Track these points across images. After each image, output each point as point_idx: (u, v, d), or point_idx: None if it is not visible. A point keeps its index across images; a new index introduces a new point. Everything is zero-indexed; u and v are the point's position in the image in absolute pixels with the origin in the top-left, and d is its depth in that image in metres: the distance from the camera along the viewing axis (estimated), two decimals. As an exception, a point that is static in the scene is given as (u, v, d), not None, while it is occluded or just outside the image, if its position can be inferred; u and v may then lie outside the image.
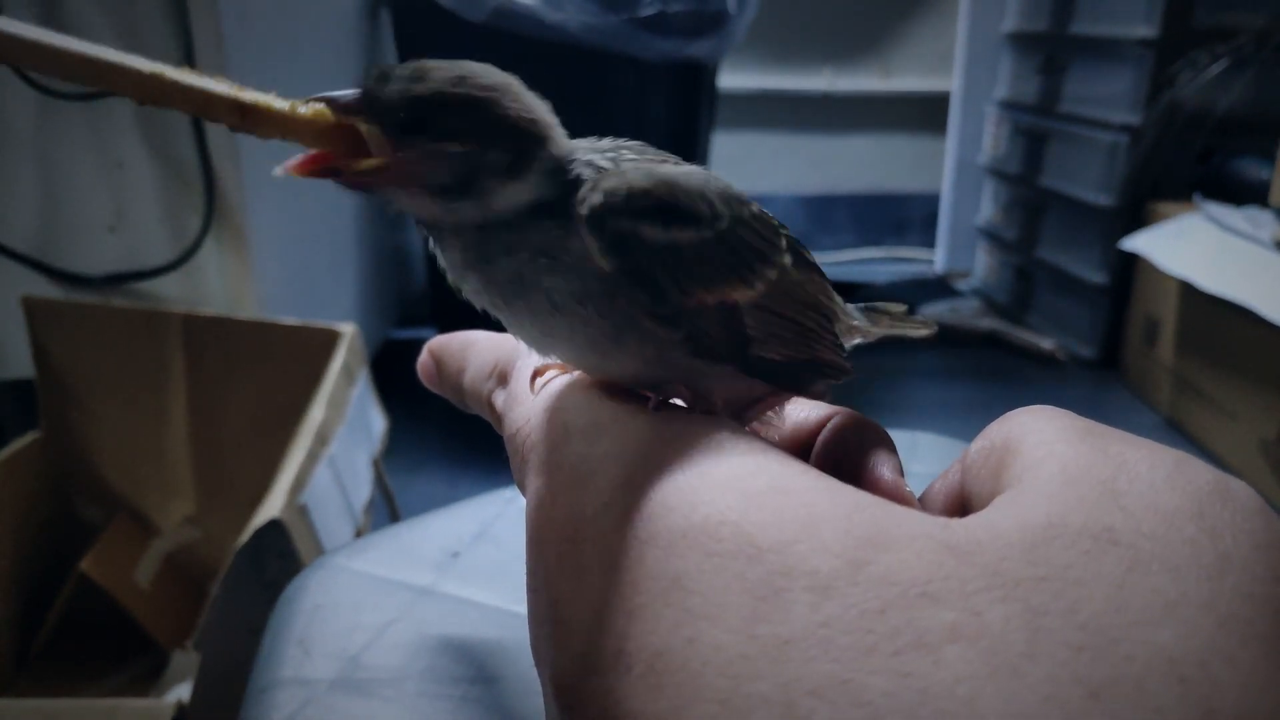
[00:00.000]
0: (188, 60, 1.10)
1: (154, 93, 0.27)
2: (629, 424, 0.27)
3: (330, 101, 0.28)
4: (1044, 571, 0.20)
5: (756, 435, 0.27)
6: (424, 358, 0.40)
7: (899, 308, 0.38)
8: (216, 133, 1.13)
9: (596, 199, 0.27)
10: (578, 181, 0.28)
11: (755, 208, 0.31)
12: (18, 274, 1.12)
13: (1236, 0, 1.95)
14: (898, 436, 0.66)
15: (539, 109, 0.29)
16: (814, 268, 0.33)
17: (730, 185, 0.30)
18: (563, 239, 0.28)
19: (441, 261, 0.30)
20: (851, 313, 0.36)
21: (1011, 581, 0.20)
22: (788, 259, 0.31)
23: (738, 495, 0.23)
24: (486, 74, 0.29)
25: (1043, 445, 0.24)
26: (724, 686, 0.20)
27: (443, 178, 0.28)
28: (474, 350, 0.38)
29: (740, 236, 0.29)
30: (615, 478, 0.26)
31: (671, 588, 0.22)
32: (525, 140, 0.28)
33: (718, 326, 0.29)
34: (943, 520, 0.22)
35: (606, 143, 0.31)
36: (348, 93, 0.28)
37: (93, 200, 1.15)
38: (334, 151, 0.28)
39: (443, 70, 0.28)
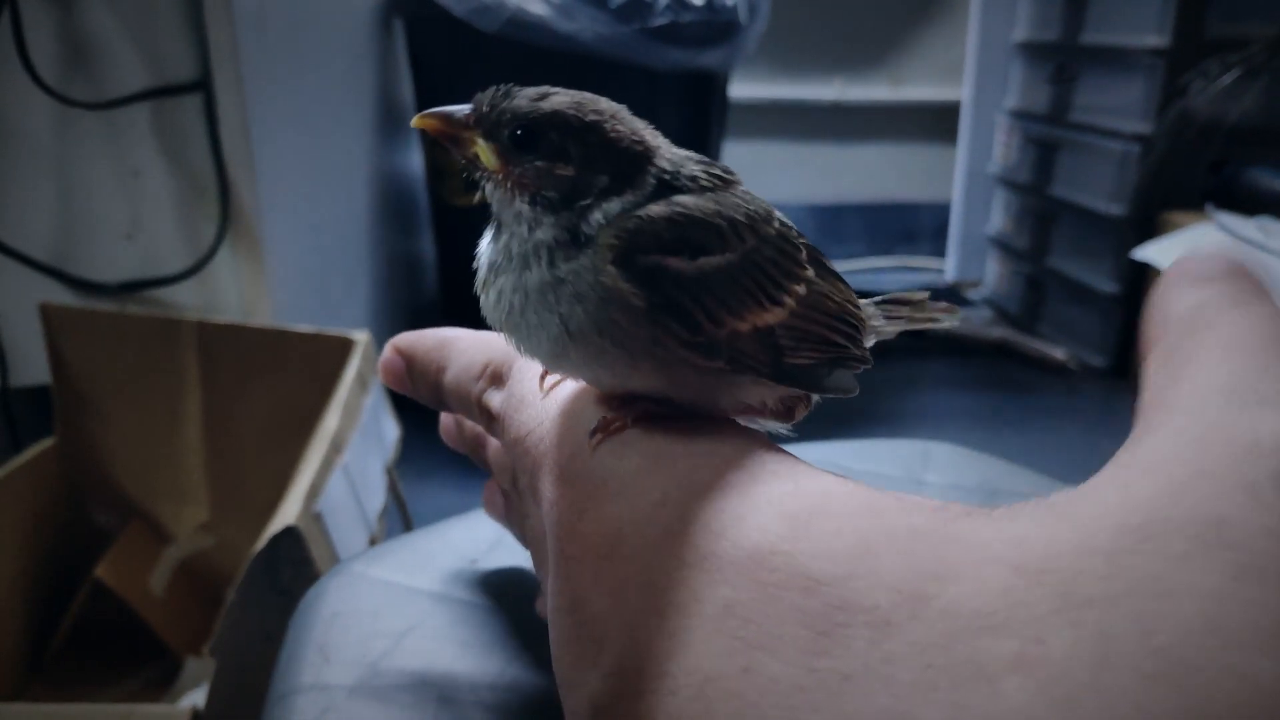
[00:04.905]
0: (204, 70, 1.11)
1: None
2: (657, 437, 0.27)
3: (444, 116, 0.30)
4: (1124, 586, 0.17)
5: (787, 452, 0.26)
6: (388, 355, 0.38)
7: (920, 295, 0.38)
8: (232, 142, 1.14)
9: (621, 235, 0.28)
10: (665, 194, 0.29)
11: (777, 224, 0.31)
12: (35, 281, 1.13)
13: (1248, 10, 1.94)
14: (910, 446, 0.66)
15: (646, 133, 0.30)
16: (835, 275, 0.33)
17: (751, 201, 0.30)
18: (590, 269, 0.28)
19: (482, 254, 0.31)
20: (872, 313, 0.36)
21: (1084, 602, 0.18)
22: (810, 272, 0.31)
23: (785, 521, 0.22)
24: (596, 101, 0.30)
25: (1205, 387, 0.21)
26: (781, 718, 0.20)
27: (547, 192, 0.29)
28: (455, 348, 0.36)
29: (765, 257, 0.29)
30: (650, 495, 0.25)
31: (723, 614, 0.22)
32: (627, 164, 0.29)
33: (754, 346, 0.29)
34: (1016, 535, 0.20)
35: (681, 154, 0.31)
36: (463, 107, 0.30)
37: (110, 208, 1.15)
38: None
39: (560, 95, 0.29)
